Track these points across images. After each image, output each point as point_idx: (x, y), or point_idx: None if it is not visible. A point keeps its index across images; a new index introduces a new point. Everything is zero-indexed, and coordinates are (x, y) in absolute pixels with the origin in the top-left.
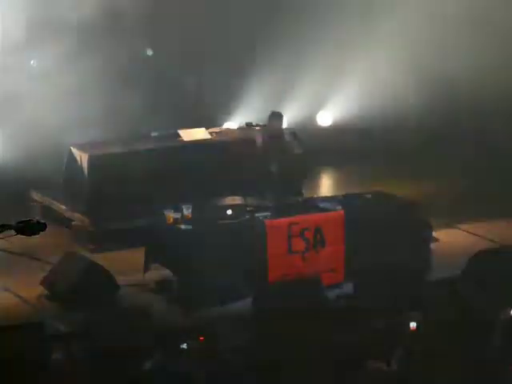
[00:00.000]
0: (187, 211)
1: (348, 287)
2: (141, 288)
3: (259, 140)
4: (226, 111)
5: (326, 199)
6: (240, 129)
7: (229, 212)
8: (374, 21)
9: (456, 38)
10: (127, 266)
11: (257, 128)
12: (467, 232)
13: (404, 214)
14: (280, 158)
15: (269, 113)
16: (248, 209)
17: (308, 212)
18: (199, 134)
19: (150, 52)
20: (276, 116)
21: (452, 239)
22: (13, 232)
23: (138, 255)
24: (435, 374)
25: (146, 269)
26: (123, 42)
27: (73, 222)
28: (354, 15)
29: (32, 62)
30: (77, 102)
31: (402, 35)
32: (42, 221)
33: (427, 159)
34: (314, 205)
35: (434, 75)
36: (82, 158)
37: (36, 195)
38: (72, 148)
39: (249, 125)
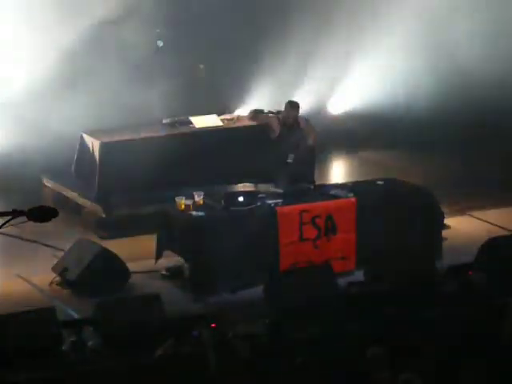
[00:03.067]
0: (199, 198)
1: (359, 275)
2: (152, 275)
3: (275, 128)
4: (237, 98)
5: (337, 186)
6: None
7: (240, 199)
8: (386, 7)
9: (471, 25)
10: (139, 252)
11: (270, 115)
12: (479, 219)
13: (416, 200)
14: (295, 147)
15: (286, 102)
16: (259, 196)
17: (319, 199)
18: (211, 120)
19: (160, 43)
20: (293, 105)
21: (464, 226)
22: (24, 218)
23: (149, 242)
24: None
25: (158, 255)
26: (135, 31)
27: (84, 209)
28: (366, 2)
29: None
30: (88, 90)
31: (414, 21)
32: (54, 207)
33: (440, 145)
34: (325, 192)
35: (447, 62)
36: (94, 144)
37: (48, 182)
38: (84, 134)
39: (260, 112)
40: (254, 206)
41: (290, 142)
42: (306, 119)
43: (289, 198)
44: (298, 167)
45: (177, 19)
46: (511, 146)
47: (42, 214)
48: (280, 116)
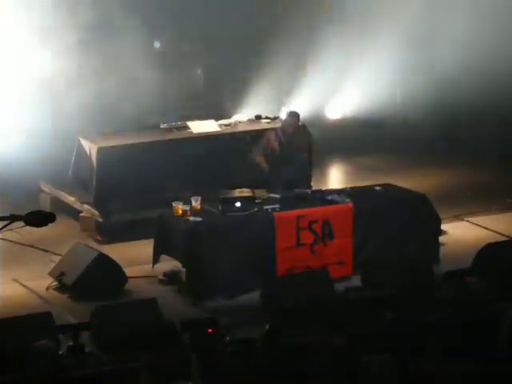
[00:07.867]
0: (196, 203)
1: (356, 280)
2: (149, 280)
3: (273, 139)
4: (235, 103)
5: (334, 192)
6: (249, 121)
7: (237, 204)
8: (382, 13)
9: (461, 32)
10: (136, 257)
11: (266, 121)
12: (476, 225)
13: (413, 206)
14: (293, 155)
15: (286, 111)
16: (257, 201)
17: (317, 204)
18: (209, 125)
19: (157, 44)
20: (292, 115)
21: (461, 232)
22: (22, 223)
23: (146, 247)
24: (440, 369)
25: (155, 260)
26: (134, 33)
27: (81, 213)
28: (363, 8)
29: None
30: (86, 94)
31: (410, 28)
32: (51, 212)
33: (436, 151)
34: (322, 197)
35: (442, 67)
36: (91, 148)
37: (45, 186)
38: (81, 139)
39: (258, 117)
40: (251, 211)
41: (288, 151)
42: (308, 131)
43: (286, 203)
44: (294, 173)
45: (176, 21)
46: (510, 148)
47: (39, 218)
48: (278, 128)
